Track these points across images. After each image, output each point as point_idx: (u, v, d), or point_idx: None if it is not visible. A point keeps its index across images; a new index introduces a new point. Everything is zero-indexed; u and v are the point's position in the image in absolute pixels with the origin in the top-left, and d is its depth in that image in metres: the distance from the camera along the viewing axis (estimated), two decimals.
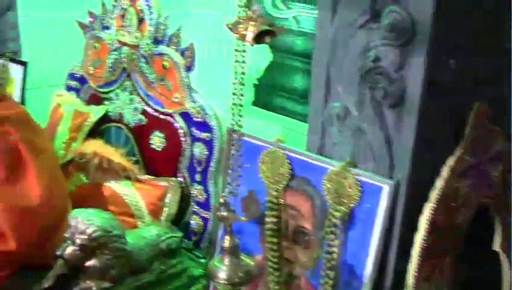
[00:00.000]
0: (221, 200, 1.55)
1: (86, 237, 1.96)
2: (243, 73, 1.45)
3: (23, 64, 3.07)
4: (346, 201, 1.75)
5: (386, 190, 1.69)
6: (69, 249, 1.97)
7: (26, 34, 3.16)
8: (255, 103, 3.48)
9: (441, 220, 1.63)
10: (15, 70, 3.10)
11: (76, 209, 2.09)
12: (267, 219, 1.99)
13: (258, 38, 1.38)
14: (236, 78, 1.45)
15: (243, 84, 1.46)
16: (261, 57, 3.33)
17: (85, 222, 1.97)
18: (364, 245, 1.75)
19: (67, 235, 1.98)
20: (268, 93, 3.40)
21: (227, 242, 1.58)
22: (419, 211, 1.62)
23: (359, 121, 1.75)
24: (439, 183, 1.61)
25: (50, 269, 2.09)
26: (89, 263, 2.00)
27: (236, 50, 1.43)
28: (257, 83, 3.41)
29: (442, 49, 1.57)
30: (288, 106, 3.32)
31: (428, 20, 1.53)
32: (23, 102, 3.08)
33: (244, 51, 1.43)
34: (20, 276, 2.15)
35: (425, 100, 1.60)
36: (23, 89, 3.07)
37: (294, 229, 1.96)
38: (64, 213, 2.07)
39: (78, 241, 1.96)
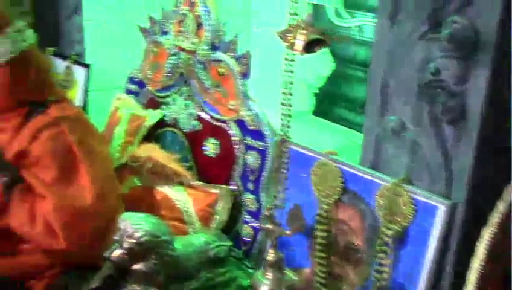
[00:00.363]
0: (267, 213, 1.51)
1: (134, 240, 1.95)
2: (291, 83, 1.41)
3: (87, 66, 3.12)
4: (399, 219, 1.68)
5: (442, 209, 1.61)
6: (117, 252, 1.97)
7: (91, 37, 3.22)
8: (315, 113, 3.43)
9: (500, 247, 1.53)
10: (78, 72, 3.16)
11: (126, 213, 2.09)
12: (317, 233, 1.94)
13: (308, 47, 1.34)
14: (285, 88, 1.41)
15: (291, 94, 1.42)
16: (323, 66, 3.29)
17: (133, 225, 1.97)
18: (416, 267, 1.67)
19: (115, 238, 1.98)
20: (329, 103, 3.35)
21: (271, 256, 1.54)
22: (477, 234, 1.52)
23: (416, 136, 1.67)
24: (501, 206, 1.51)
25: (98, 270, 2.11)
26: (136, 267, 1.98)
27: (285, 59, 1.39)
28: (318, 92, 3.36)
29: (508, 62, 1.47)
30: (348, 117, 3.27)
31: (493, 31, 1.45)
32: (85, 104, 3.13)
33: (293, 60, 1.39)
34: (69, 275, 2.18)
35: (487, 116, 1.51)
36: (85, 91, 3.12)
37: (344, 245, 1.90)
38: (116, 215, 2.06)
39: (125, 244, 1.95)
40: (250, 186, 2.34)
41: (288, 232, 1.55)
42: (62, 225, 2.03)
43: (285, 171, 1.56)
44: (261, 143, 2.27)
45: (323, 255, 1.93)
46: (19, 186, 2.08)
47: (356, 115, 3.18)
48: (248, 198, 2.35)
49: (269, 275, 1.54)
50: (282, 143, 1.49)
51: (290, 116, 1.44)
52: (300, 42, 1.33)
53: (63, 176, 2.08)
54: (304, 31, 1.33)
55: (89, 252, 2.12)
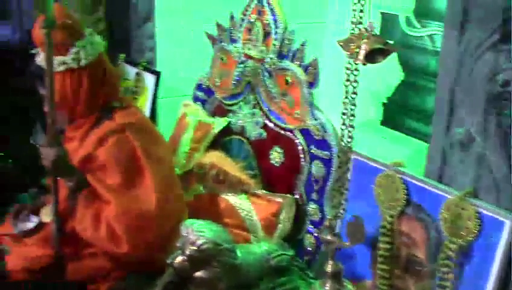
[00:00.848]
0: (326, 223, 1.50)
1: (196, 248, 1.96)
2: (355, 93, 1.39)
3: (156, 73, 3.18)
4: (463, 233, 1.63)
5: (508, 225, 1.55)
6: (179, 259, 1.99)
7: (161, 44, 3.28)
8: (383, 123, 3.38)
9: None
10: (148, 79, 3.23)
11: (189, 220, 2.12)
12: (380, 245, 1.91)
13: (371, 57, 1.32)
14: (347, 98, 1.40)
15: (354, 105, 1.40)
16: (392, 75, 3.23)
17: (196, 233, 1.98)
18: (480, 282, 1.62)
19: (178, 245, 2.00)
20: (398, 113, 3.29)
21: (329, 267, 1.53)
22: None
23: (483, 148, 1.62)
24: None
25: (161, 275, 2.15)
26: (197, 274, 2.00)
27: (347, 68, 1.38)
28: (386, 102, 3.31)
29: None
30: (417, 128, 3.20)
31: None
32: (154, 111, 3.19)
33: (356, 69, 1.37)
34: (131, 280, 2.22)
35: None
36: (154, 98, 3.18)
37: (407, 258, 1.86)
38: (179, 222, 2.09)
39: (187, 251, 1.97)
40: (314, 196, 2.32)
41: (347, 244, 1.53)
42: (125, 230, 2.07)
43: (347, 181, 1.54)
44: (325, 153, 2.25)
45: (385, 267, 1.89)
46: (84, 191, 2.13)
47: (425, 126, 3.11)
48: (312, 208, 2.34)
49: (328, 286, 1.52)
50: (345, 153, 1.47)
51: (352, 126, 1.42)
52: (362, 52, 1.31)
53: (127, 181, 2.12)
54: (366, 41, 1.31)
55: (151, 256, 2.16)
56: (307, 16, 3.42)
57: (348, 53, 1.35)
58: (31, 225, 2.35)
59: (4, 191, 3.19)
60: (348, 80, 1.40)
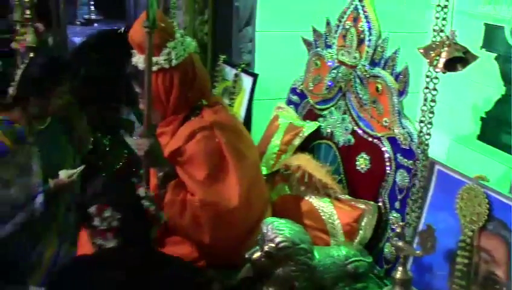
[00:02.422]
0: (398, 230, 1.50)
1: (273, 245, 2.01)
2: (433, 100, 1.39)
3: (254, 76, 3.25)
4: None
5: None
6: (257, 254, 2.04)
7: (260, 48, 3.35)
8: (480, 138, 3.27)
9: None
10: (246, 81, 3.31)
11: (270, 217, 2.17)
12: (458, 259, 1.87)
13: (451, 65, 1.31)
14: (425, 106, 1.39)
15: (432, 112, 1.39)
16: (492, 89, 3.13)
17: (275, 230, 2.03)
18: None
19: (257, 241, 2.06)
20: (496, 128, 3.18)
21: (399, 274, 1.52)
22: None
23: None
24: None
25: (238, 269, 2.21)
26: (273, 271, 2.04)
27: (427, 76, 1.38)
28: (485, 116, 3.21)
29: None
30: None
31: None
32: (249, 111, 3.27)
33: (436, 77, 1.36)
34: (213, 271, 2.29)
35: None
36: (250, 99, 3.25)
37: (485, 276, 1.82)
38: (260, 219, 2.15)
39: (265, 248, 2.02)
40: (397, 205, 2.31)
41: (418, 252, 1.52)
42: (208, 221, 2.16)
43: (422, 189, 1.53)
44: (411, 162, 2.23)
45: (462, 283, 1.86)
46: (173, 182, 2.24)
47: None
48: (394, 217, 2.32)
49: None
50: (421, 160, 1.47)
51: (429, 134, 1.42)
52: (442, 60, 1.31)
53: (213, 176, 2.20)
54: (447, 49, 1.30)
55: (231, 250, 2.22)
56: (408, 25, 3.40)
57: (428, 61, 1.35)
58: None
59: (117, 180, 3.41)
60: (427, 88, 1.40)
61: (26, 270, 2.71)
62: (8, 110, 2.78)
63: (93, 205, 1.85)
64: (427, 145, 1.44)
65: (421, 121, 1.42)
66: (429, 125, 1.41)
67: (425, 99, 1.39)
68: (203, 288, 1.95)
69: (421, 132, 1.43)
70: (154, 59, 2.22)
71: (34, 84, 2.75)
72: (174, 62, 2.26)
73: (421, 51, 1.35)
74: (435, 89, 1.37)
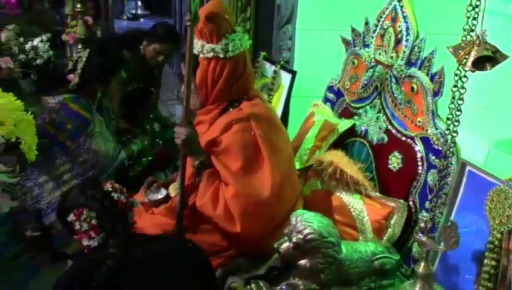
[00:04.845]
0: (422, 225, 1.52)
1: (302, 237, 2.05)
2: (461, 99, 1.41)
3: (292, 73, 3.30)
4: None
5: None
6: (285, 245, 2.09)
7: (299, 46, 3.39)
8: None
9: None
10: (284, 77, 3.35)
11: (300, 210, 2.21)
12: (486, 261, 1.88)
13: (480, 64, 1.34)
14: (453, 104, 1.42)
15: (460, 110, 1.42)
16: None
17: (304, 222, 2.07)
18: None
19: (286, 232, 2.10)
20: None
21: (421, 268, 1.55)
22: None
23: None
24: None
25: (266, 259, 2.26)
26: (301, 262, 2.08)
27: (455, 74, 1.40)
28: None
29: None
30: None
31: None
32: (286, 107, 3.31)
33: (465, 76, 1.39)
34: (242, 259, 2.35)
35: None
36: (288, 95, 3.29)
37: None
38: (291, 211, 2.20)
39: (294, 239, 2.06)
40: (427, 204, 2.31)
41: (441, 247, 1.54)
42: (240, 211, 2.22)
43: (446, 185, 1.55)
44: (443, 162, 2.25)
45: (489, 285, 1.86)
46: (208, 171, 2.30)
47: None
48: (423, 216, 2.33)
49: (418, 287, 1.54)
50: (446, 157, 1.49)
51: (456, 132, 1.44)
52: (471, 58, 1.33)
53: (247, 167, 2.26)
54: (476, 48, 1.33)
55: (261, 240, 2.28)
56: (447, 26, 3.38)
57: (457, 59, 1.37)
58: (159, 196, 2.60)
59: (151, 168, 3.56)
60: (455, 86, 1.42)
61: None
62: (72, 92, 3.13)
63: (70, 214, 2.05)
64: (455, 142, 1.46)
65: (448, 119, 1.44)
66: (456, 123, 1.43)
67: (453, 98, 1.42)
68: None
69: (448, 129, 1.45)
70: (212, 46, 2.30)
71: (99, 72, 3.18)
72: (229, 54, 2.32)
73: (451, 49, 1.37)
74: (463, 88, 1.40)
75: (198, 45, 2.31)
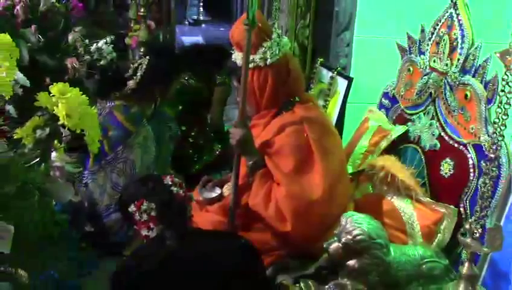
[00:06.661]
0: (467, 226, 1.55)
1: (351, 237, 2.09)
2: (508, 103, 1.44)
3: (349, 79, 3.34)
4: None
5: None
6: (334, 245, 2.13)
7: (356, 52, 3.44)
8: None
9: None
10: (341, 83, 3.40)
11: (350, 211, 2.26)
12: None
13: None
14: (500, 108, 1.45)
15: (506, 115, 1.44)
16: None
17: (353, 223, 2.12)
18: None
19: (335, 232, 2.15)
20: None
21: (465, 269, 1.57)
22: None
23: None
24: None
25: (316, 259, 2.31)
26: (349, 263, 2.12)
27: (503, 79, 1.43)
28: None
29: None
30: None
31: None
32: (342, 113, 3.35)
33: None
34: (292, 259, 2.41)
35: None
36: (344, 101, 3.34)
37: None
38: (342, 213, 2.24)
39: (343, 239, 2.11)
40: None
41: (485, 249, 1.57)
42: (291, 211, 2.29)
43: (491, 188, 1.58)
44: (495, 170, 2.25)
45: None
46: (261, 171, 2.38)
47: None
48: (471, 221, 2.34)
49: (461, 287, 1.57)
50: (492, 161, 1.52)
51: (502, 135, 1.47)
52: None
53: (299, 169, 2.33)
54: None
55: (311, 240, 2.33)
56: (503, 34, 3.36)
57: (505, 64, 1.40)
58: (214, 194, 2.69)
59: (210, 169, 3.68)
60: (502, 91, 1.45)
61: (123, 242, 2.97)
62: (125, 98, 3.18)
63: (131, 204, 2.17)
64: (500, 146, 1.49)
65: (495, 123, 1.47)
66: (502, 127, 1.46)
67: (501, 102, 1.45)
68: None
69: (494, 133, 1.48)
70: (251, 57, 2.36)
71: (161, 76, 3.28)
72: (269, 61, 2.40)
73: (498, 55, 1.41)
74: (510, 92, 1.43)
75: (239, 57, 2.40)
